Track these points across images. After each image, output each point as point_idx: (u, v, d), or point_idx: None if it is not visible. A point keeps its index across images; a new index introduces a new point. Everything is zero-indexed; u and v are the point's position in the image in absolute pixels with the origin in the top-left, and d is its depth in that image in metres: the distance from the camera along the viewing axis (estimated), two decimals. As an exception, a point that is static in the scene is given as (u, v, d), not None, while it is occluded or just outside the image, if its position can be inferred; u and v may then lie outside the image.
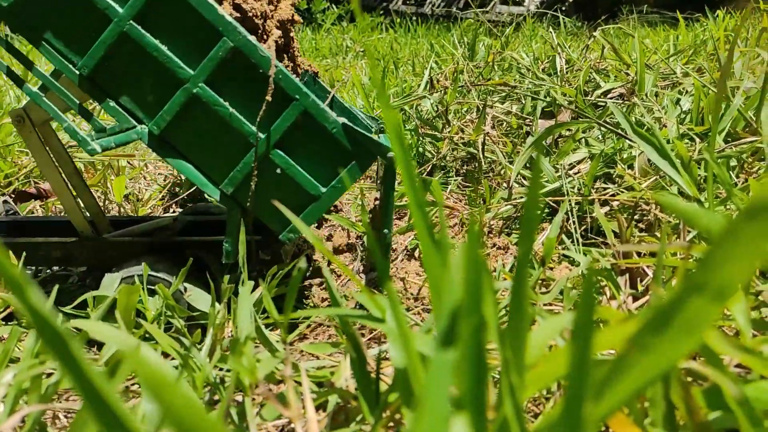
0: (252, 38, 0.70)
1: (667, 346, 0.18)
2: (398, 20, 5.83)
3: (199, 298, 0.74)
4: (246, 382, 0.46)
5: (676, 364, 0.18)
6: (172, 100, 0.70)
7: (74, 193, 0.83)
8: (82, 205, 0.85)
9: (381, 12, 6.96)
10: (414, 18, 6.01)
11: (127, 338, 0.42)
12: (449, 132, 1.55)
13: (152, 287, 0.75)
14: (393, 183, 0.74)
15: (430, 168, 1.50)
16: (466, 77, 1.98)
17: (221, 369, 0.59)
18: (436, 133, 1.55)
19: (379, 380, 0.44)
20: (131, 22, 0.68)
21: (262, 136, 0.71)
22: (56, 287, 0.55)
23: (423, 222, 0.29)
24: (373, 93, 2.04)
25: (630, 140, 1.18)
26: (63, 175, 0.83)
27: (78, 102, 0.73)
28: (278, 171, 0.73)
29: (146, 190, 1.47)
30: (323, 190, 0.74)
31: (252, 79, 0.71)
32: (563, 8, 6.45)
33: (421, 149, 1.58)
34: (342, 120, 0.72)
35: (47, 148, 0.81)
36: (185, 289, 0.75)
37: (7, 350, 0.48)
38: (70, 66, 0.70)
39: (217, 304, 0.74)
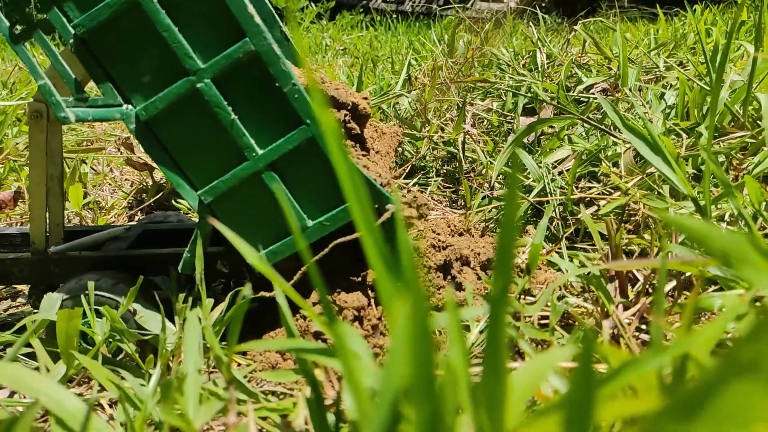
0: (276, 48, 0.64)
1: (701, 442, 0.13)
2: (378, 18, 5.77)
3: (151, 319, 0.67)
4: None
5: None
6: (170, 88, 0.64)
7: (46, 199, 0.76)
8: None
9: (361, 10, 6.89)
10: (394, 15, 5.95)
11: (40, 383, 0.35)
12: (428, 131, 1.49)
13: (100, 307, 0.68)
14: (392, 236, 0.68)
15: (409, 168, 1.44)
16: (446, 74, 1.92)
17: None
18: (415, 132, 1.50)
19: (340, 423, 0.38)
20: None
21: (260, 151, 0.66)
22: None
23: (375, 250, 0.24)
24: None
25: (615, 137, 1.14)
26: (46, 177, 0.76)
27: (73, 76, 0.66)
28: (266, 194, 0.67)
29: (110, 197, 1.39)
30: (309, 224, 0.68)
31: (264, 90, 0.65)
32: (543, 4, 6.44)
33: (399, 149, 1.52)
34: None
35: (46, 149, 0.74)
36: (134, 310, 0.68)
37: None
38: (65, 20, 0.63)
39: (171, 325, 0.68)
